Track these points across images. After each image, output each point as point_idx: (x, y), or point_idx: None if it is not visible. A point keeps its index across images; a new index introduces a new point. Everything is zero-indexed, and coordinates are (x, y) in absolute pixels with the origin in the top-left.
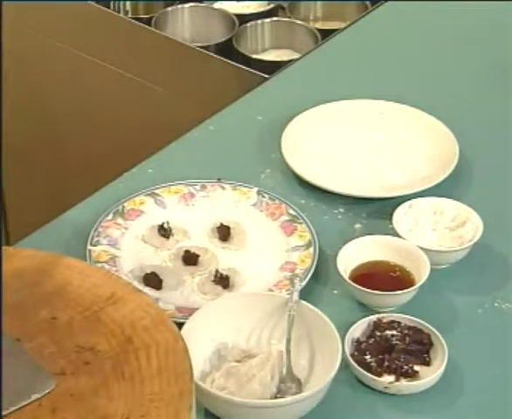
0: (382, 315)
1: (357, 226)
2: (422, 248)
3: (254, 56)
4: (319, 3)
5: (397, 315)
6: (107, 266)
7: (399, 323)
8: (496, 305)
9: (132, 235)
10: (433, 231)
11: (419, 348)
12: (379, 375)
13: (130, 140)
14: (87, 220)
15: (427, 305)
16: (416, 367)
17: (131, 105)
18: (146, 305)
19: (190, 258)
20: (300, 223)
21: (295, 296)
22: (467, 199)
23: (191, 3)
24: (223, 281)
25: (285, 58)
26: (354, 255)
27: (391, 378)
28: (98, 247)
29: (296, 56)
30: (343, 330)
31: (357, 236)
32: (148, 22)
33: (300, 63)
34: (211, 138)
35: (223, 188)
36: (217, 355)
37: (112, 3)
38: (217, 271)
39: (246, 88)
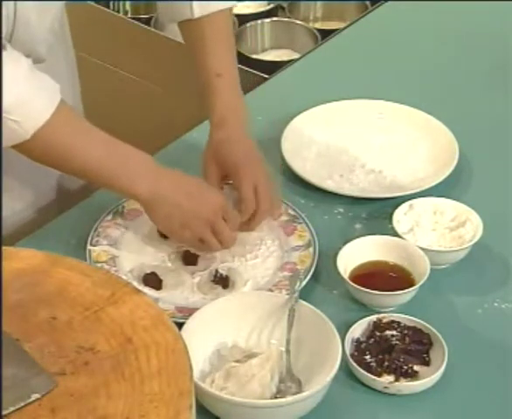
0: (382, 315)
1: (357, 226)
2: (422, 248)
3: (254, 56)
4: (319, 3)
5: (397, 315)
6: (106, 266)
7: (399, 323)
8: (496, 305)
9: (132, 235)
10: (433, 231)
11: (419, 348)
12: (379, 375)
13: (130, 140)
14: (87, 220)
15: (427, 305)
16: (416, 367)
17: (131, 105)
18: (146, 305)
19: (190, 258)
20: (300, 223)
21: (295, 296)
22: (467, 199)
23: None
24: (223, 281)
25: (285, 58)
26: (354, 255)
27: (391, 378)
28: (98, 247)
29: (296, 56)
30: (343, 330)
31: (357, 237)
32: (147, 22)
33: (301, 63)
34: None
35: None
36: (217, 355)
37: (112, 3)
38: (216, 271)
39: (246, 88)
